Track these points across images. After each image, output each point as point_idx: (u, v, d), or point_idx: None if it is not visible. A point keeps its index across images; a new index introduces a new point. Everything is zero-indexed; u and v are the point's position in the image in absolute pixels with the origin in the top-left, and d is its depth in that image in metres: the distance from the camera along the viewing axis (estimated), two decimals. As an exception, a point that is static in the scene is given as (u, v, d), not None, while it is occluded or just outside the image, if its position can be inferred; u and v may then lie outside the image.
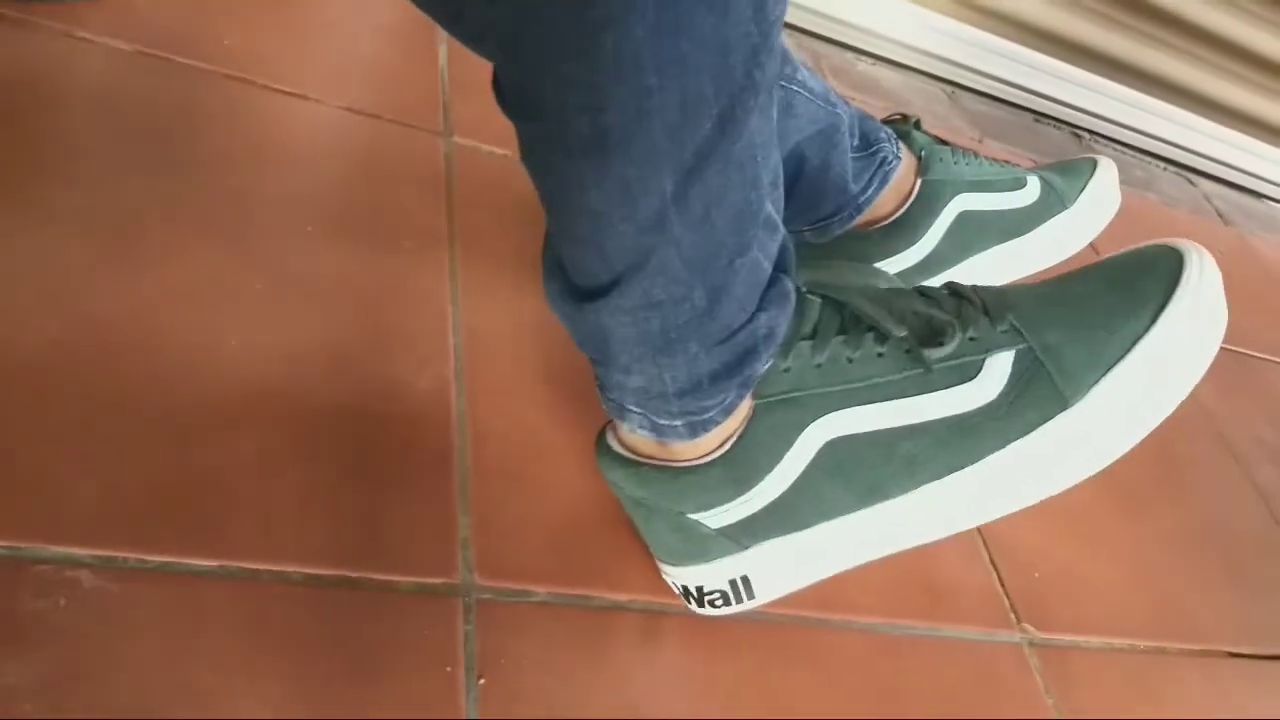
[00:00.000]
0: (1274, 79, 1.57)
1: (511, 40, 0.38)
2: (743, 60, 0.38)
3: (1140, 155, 1.60)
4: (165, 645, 0.47)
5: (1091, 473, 0.51)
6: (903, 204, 0.74)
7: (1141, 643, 0.77)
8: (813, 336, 0.51)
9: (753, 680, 0.59)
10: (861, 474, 0.52)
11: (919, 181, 0.75)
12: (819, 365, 0.51)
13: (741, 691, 0.58)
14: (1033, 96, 1.47)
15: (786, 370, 0.51)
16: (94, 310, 0.57)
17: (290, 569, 0.52)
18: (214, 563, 0.50)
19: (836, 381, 0.51)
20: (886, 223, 0.74)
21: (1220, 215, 1.58)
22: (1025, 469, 0.51)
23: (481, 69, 0.41)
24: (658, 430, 0.51)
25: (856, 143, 0.72)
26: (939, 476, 0.52)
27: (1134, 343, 0.49)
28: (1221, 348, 0.50)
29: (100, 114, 0.67)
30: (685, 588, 0.59)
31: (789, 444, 0.52)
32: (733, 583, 0.57)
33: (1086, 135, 1.53)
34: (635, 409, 0.51)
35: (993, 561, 0.75)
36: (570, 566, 0.59)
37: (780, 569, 0.56)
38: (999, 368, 0.50)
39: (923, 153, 0.76)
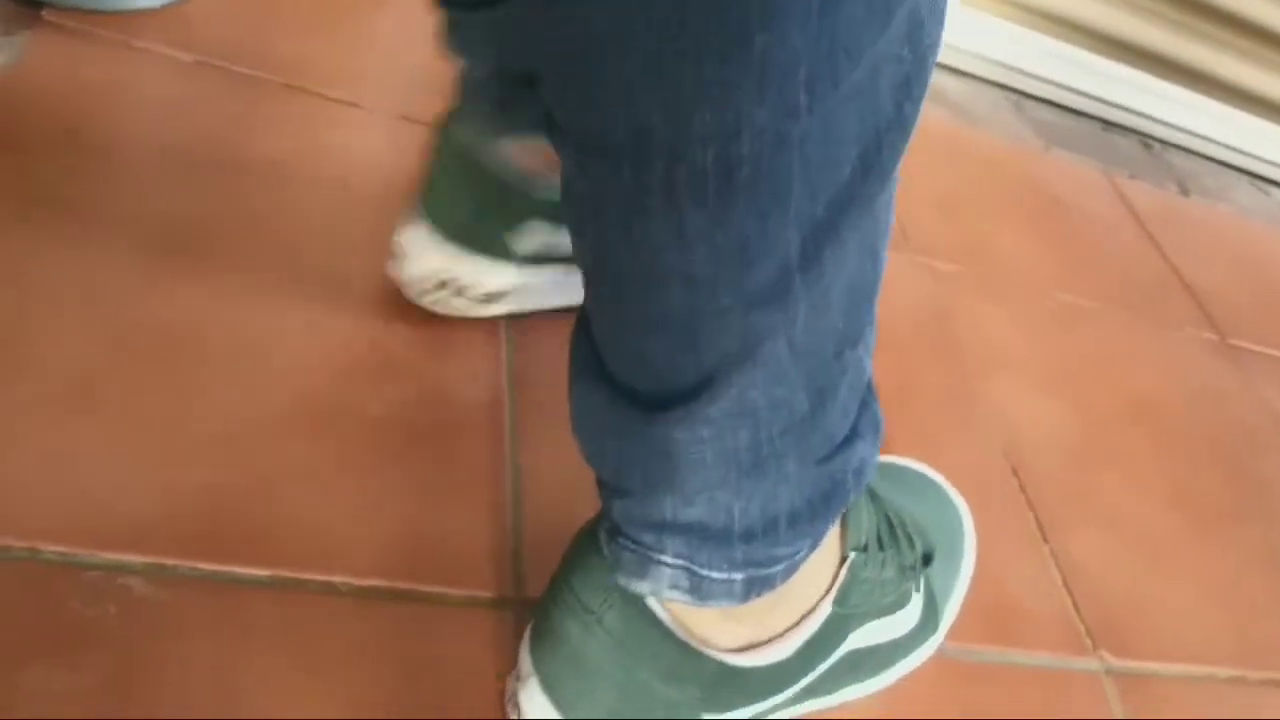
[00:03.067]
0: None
1: (602, 50, 0.28)
2: (892, 88, 0.30)
3: (1212, 163, 1.55)
4: (213, 655, 0.46)
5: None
6: None
7: (1221, 671, 0.73)
8: (865, 549, 0.49)
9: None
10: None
11: None
12: (866, 580, 0.49)
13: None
14: (1101, 104, 1.43)
15: (864, 581, 0.50)
16: (144, 319, 0.57)
17: (339, 579, 0.51)
18: (264, 572, 0.49)
19: (876, 595, 0.51)
20: None
21: (1297, 226, 1.52)
22: (898, 672, 0.57)
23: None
24: (699, 590, 0.39)
25: None
26: (860, 681, 0.55)
27: (958, 577, 0.61)
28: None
29: (160, 122, 0.68)
30: None
31: (833, 651, 0.51)
32: None
33: (1157, 144, 1.49)
34: (675, 560, 0.39)
35: (1066, 584, 0.71)
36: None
37: None
38: (920, 593, 0.56)
39: None
